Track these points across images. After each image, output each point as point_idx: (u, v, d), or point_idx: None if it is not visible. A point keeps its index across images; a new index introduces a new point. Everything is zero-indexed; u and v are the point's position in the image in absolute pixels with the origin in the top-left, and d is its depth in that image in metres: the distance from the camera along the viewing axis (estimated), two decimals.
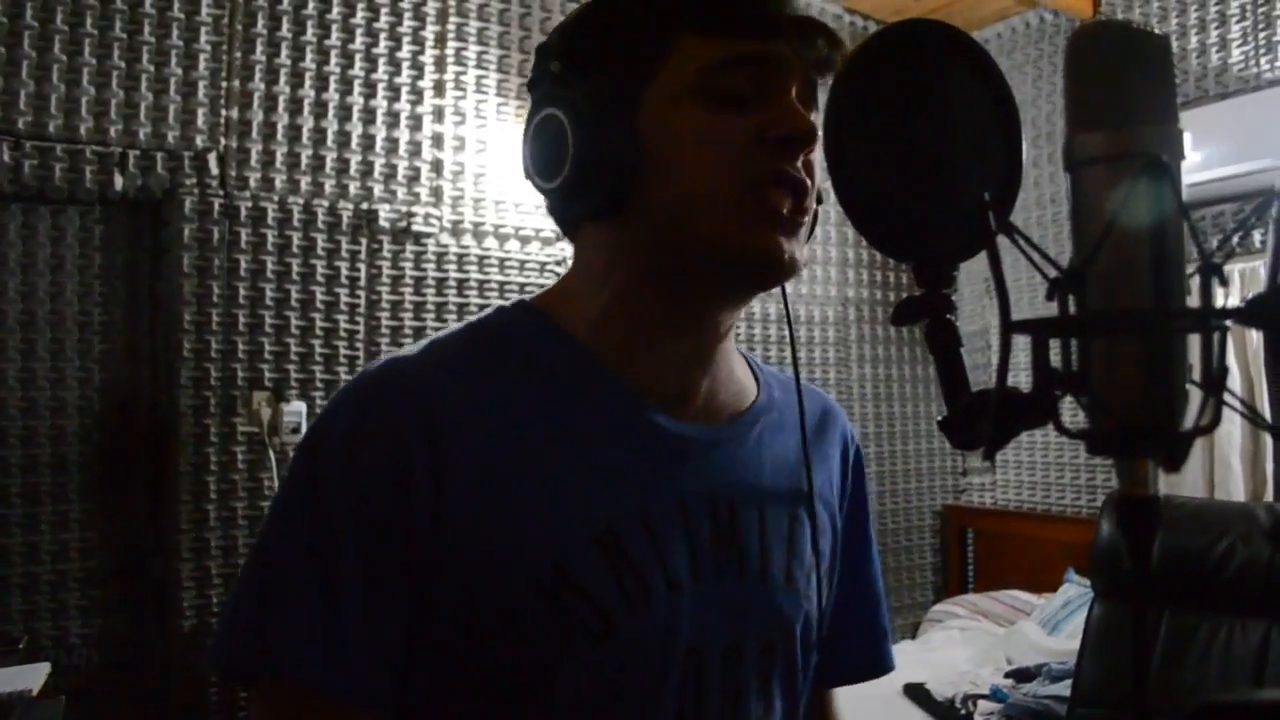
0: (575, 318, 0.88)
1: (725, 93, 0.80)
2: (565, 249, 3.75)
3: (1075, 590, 3.70)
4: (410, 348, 0.87)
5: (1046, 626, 3.63)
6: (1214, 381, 0.53)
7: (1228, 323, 0.53)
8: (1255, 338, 3.33)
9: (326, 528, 0.77)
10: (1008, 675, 3.30)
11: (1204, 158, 3.40)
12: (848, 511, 1.05)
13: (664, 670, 0.82)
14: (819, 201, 0.87)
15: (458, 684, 0.79)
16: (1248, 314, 0.50)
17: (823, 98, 0.82)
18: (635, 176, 0.80)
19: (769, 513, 0.91)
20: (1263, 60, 3.65)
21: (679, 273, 0.84)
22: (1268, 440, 3.49)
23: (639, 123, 0.81)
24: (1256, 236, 3.55)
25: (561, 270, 3.72)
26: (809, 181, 0.83)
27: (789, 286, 0.87)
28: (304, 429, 3.16)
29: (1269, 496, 3.49)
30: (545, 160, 0.84)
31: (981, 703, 3.14)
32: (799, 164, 0.81)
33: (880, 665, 1.09)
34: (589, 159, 0.81)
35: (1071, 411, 0.57)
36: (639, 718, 0.82)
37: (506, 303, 0.92)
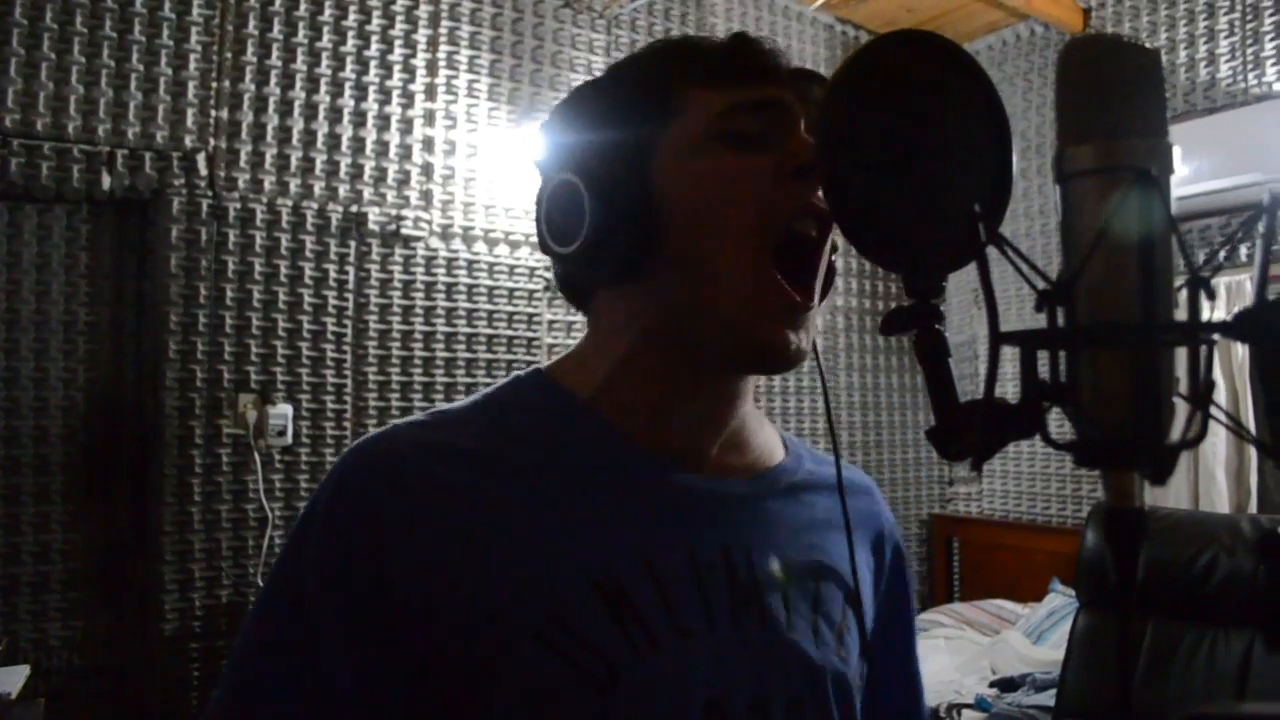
0: (584, 383, 0.88)
1: (739, 134, 0.81)
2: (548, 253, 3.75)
3: (1060, 600, 3.71)
4: (416, 415, 0.87)
5: (1031, 636, 3.64)
6: (1200, 395, 0.53)
7: (1214, 336, 0.53)
8: (1240, 350, 3.35)
9: (309, 598, 0.78)
10: (992, 685, 3.31)
11: (1192, 171, 3.41)
12: (888, 606, 1.00)
13: None
14: (833, 250, 0.87)
15: None
16: (1235, 328, 0.50)
17: None
18: (653, 236, 0.81)
19: (792, 569, 0.88)
20: (1250, 75, 3.67)
21: (689, 344, 0.84)
22: (1252, 453, 3.51)
23: (654, 179, 0.81)
24: (1242, 250, 3.57)
25: (549, 275, 3.72)
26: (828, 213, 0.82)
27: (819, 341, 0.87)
28: (290, 431, 3.15)
29: (1253, 508, 3.50)
30: (560, 227, 0.84)
31: (966, 712, 3.14)
32: (819, 194, 0.81)
33: None
34: (605, 222, 0.80)
35: (1059, 423, 0.57)
36: None
37: (522, 372, 0.92)
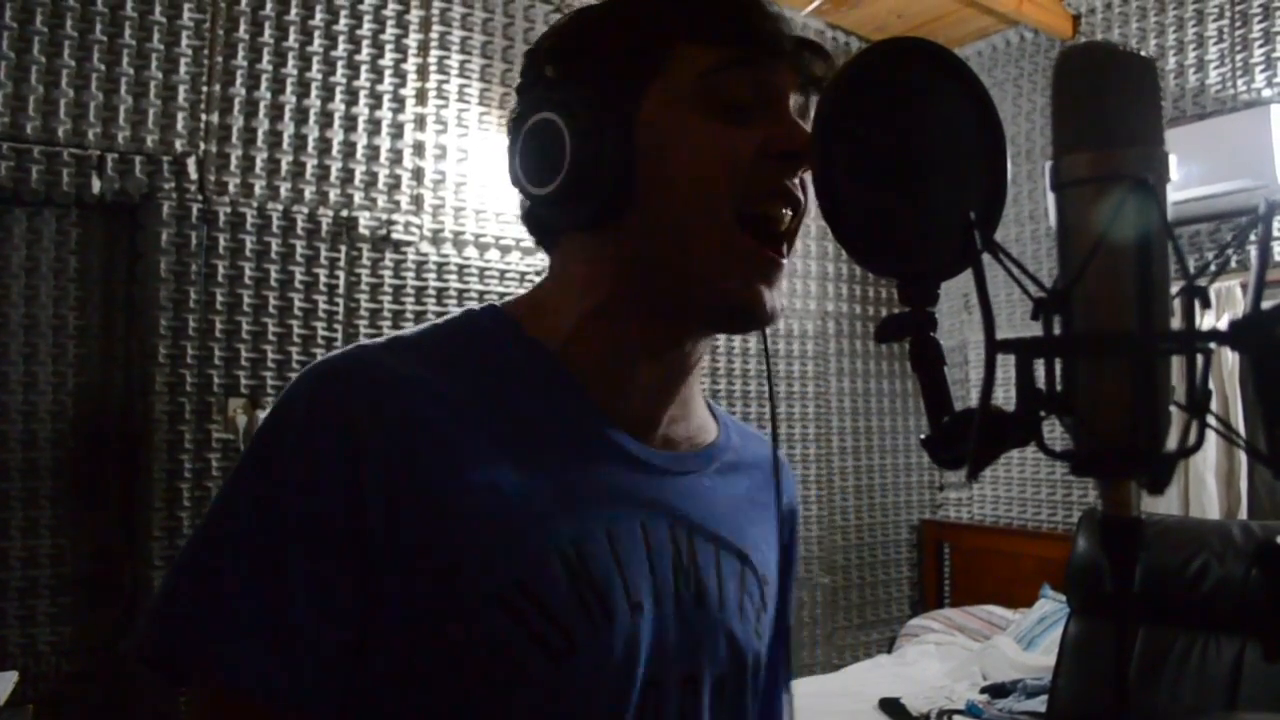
0: (547, 328, 0.86)
1: (725, 100, 0.80)
2: (545, 260, 3.74)
3: (1051, 606, 3.72)
4: (376, 339, 0.84)
5: (1022, 642, 3.64)
6: (1197, 403, 0.53)
7: (1211, 345, 0.53)
8: (1230, 357, 3.36)
9: (275, 519, 0.74)
10: (983, 690, 3.31)
11: (1181, 177, 3.42)
12: (781, 564, 1.01)
13: (623, 698, 0.79)
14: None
15: (410, 700, 0.75)
16: (1231, 337, 0.50)
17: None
18: (631, 186, 0.79)
19: (722, 548, 0.89)
20: (1240, 82, 3.69)
21: (659, 298, 0.83)
22: (1242, 458, 3.52)
23: (637, 131, 0.80)
24: (1233, 256, 3.58)
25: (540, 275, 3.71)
26: (804, 198, 0.82)
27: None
28: None
29: (1243, 514, 3.51)
30: (538, 166, 0.82)
31: (957, 718, 3.14)
32: (797, 179, 0.81)
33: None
34: (586, 165, 0.79)
35: (1055, 431, 0.57)
36: None
37: (477, 307, 0.90)
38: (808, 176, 0.82)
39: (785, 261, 0.83)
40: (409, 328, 0.88)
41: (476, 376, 0.83)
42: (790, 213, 0.82)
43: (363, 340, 0.83)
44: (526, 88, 0.87)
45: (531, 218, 0.91)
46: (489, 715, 0.75)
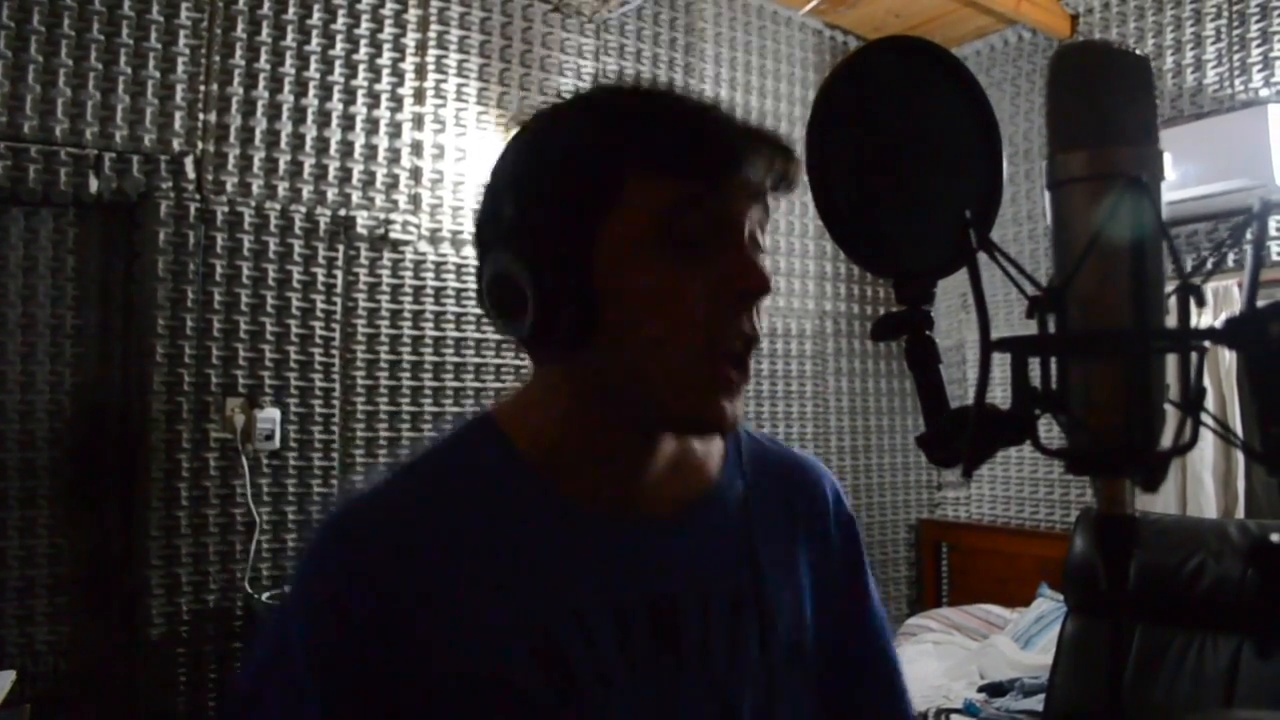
0: (527, 435, 0.90)
1: (680, 239, 0.79)
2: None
3: (1048, 605, 3.72)
4: (366, 488, 0.91)
5: (1020, 641, 3.64)
6: (1192, 401, 0.53)
7: (1205, 343, 0.53)
8: (1227, 356, 3.36)
9: (287, 661, 0.84)
10: (981, 689, 3.31)
11: (1179, 177, 3.43)
12: (840, 570, 1.02)
13: None
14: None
15: None
16: (1225, 335, 0.50)
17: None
18: (593, 322, 0.80)
19: (713, 600, 0.90)
20: (1237, 81, 3.69)
21: (624, 414, 0.86)
22: (1240, 457, 3.52)
23: (595, 269, 0.80)
24: (1230, 255, 3.58)
25: None
26: (759, 331, 0.83)
27: (765, 300, 0.86)
28: (278, 436, 3.14)
29: (1240, 513, 3.51)
30: (505, 311, 0.84)
31: (955, 717, 3.14)
32: (754, 312, 0.82)
33: (903, 713, 1.07)
34: (545, 312, 0.80)
35: (1050, 429, 0.57)
36: None
37: (469, 416, 0.95)
38: (764, 304, 0.83)
39: (746, 379, 0.84)
40: (404, 458, 0.97)
41: (460, 500, 0.88)
42: (744, 348, 0.82)
43: (359, 491, 0.91)
44: (486, 224, 0.88)
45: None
46: None
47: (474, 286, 3.47)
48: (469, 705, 0.81)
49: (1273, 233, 3.58)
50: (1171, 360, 0.55)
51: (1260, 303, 0.50)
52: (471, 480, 0.89)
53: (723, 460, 0.97)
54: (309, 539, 0.91)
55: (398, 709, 0.82)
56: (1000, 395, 0.57)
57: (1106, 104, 0.53)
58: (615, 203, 0.80)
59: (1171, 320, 0.54)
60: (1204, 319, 3.49)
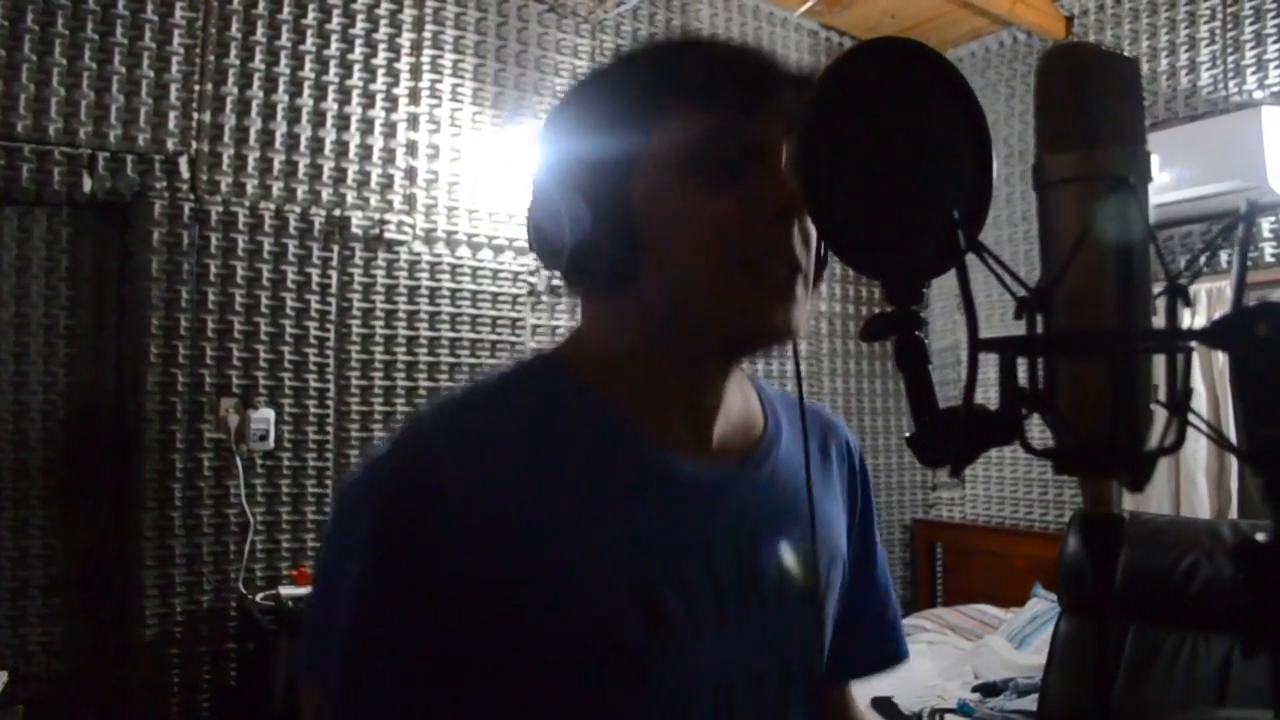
0: (595, 375, 0.90)
1: (715, 165, 0.82)
2: (537, 259, 3.74)
3: (1042, 605, 3.72)
4: (430, 410, 0.90)
5: (1014, 641, 3.65)
6: (1179, 402, 0.53)
7: (1192, 343, 0.54)
8: (1221, 357, 3.37)
9: (358, 600, 0.80)
10: (975, 689, 3.31)
11: (1173, 178, 3.43)
12: (859, 518, 1.09)
13: (695, 705, 0.85)
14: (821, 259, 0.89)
15: None
16: (1212, 335, 0.51)
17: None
18: (634, 253, 0.83)
19: (786, 543, 0.93)
20: (1231, 84, 3.70)
21: (679, 345, 0.87)
22: (1233, 458, 3.53)
23: (634, 199, 0.83)
24: (1224, 256, 3.59)
25: (534, 280, 3.72)
26: (806, 251, 0.85)
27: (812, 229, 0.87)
28: (272, 436, 3.14)
29: (1234, 513, 3.52)
30: (547, 244, 0.87)
31: (948, 717, 3.14)
32: (795, 233, 0.83)
33: (896, 655, 1.13)
34: (586, 246, 0.83)
35: (1040, 429, 0.57)
36: None
37: (528, 357, 0.95)
38: (812, 229, 0.84)
39: (800, 289, 0.85)
40: (464, 386, 0.94)
41: (534, 433, 0.87)
42: (788, 272, 0.84)
43: (415, 421, 0.90)
44: (538, 167, 0.92)
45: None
46: None
47: (469, 287, 3.49)
48: (566, 661, 0.80)
49: (1267, 234, 3.59)
50: (1160, 362, 0.55)
51: (1251, 303, 0.51)
52: (545, 414, 0.89)
53: (762, 410, 1.01)
54: (364, 464, 0.87)
55: (487, 654, 0.80)
56: (989, 395, 0.57)
57: (1094, 105, 0.53)
58: (652, 134, 0.84)
59: (1160, 321, 0.54)
60: (1198, 319, 3.50)
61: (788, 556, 0.93)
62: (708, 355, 0.89)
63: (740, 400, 0.97)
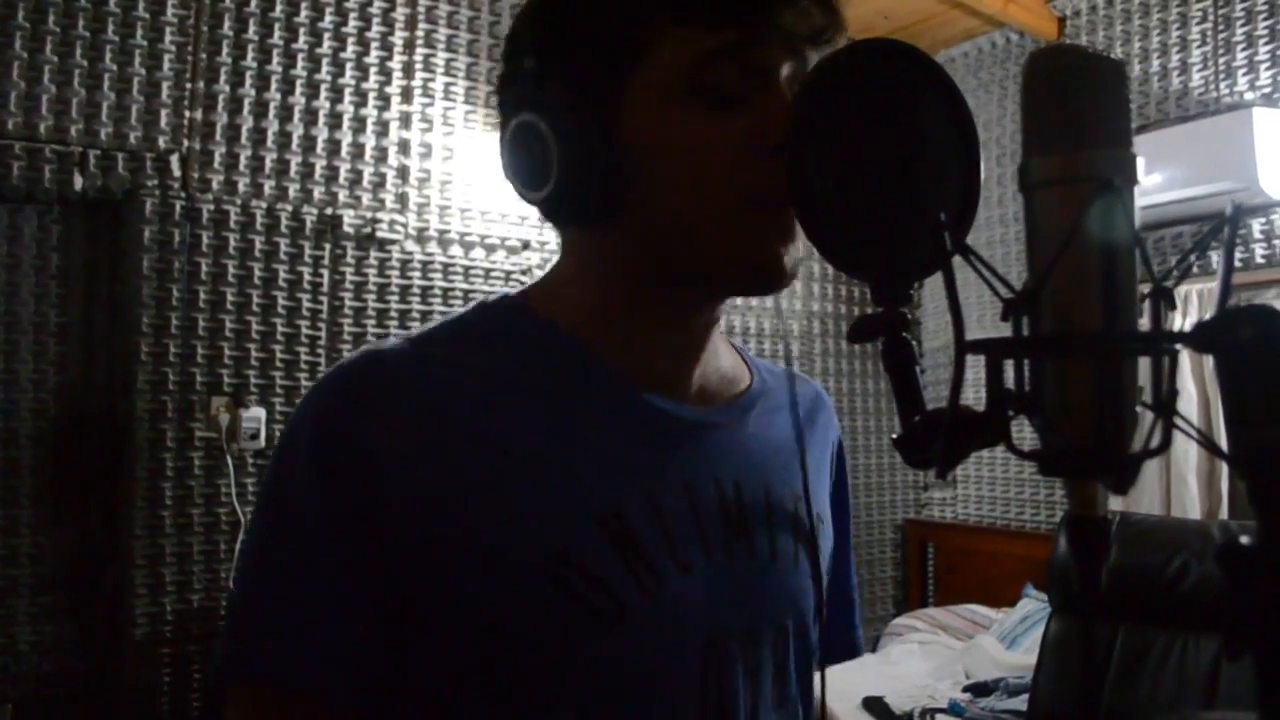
0: (562, 312, 0.84)
1: (713, 90, 0.76)
2: (531, 258, 3.75)
3: (1033, 605, 3.73)
4: (391, 339, 0.82)
5: (1005, 641, 3.66)
6: (1164, 404, 0.53)
7: (1178, 346, 0.54)
8: (1211, 359, 3.37)
9: (295, 527, 0.75)
10: (965, 689, 3.32)
11: (1164, 179, 3.44)
12: (832, 499, 1.03)
13: (682, 659, 0.79)
14: None
15: (468, 682, 0.76)
16: (1197, 338, 0.51)
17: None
18: (622, 183, 0.77)
19: (773, 494, 0.89)
20: (1222, 85, 3.71)
21: (670, 276, 0.81)
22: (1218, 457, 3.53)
23: (624, 124, 0.77)
24: (1214, 257, 3.60)
25: (526, 279, 3.71)
26: None
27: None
28: (263, 435, 3.13)
29: (1224, 514, 3.53)
30: (528, 170, 0.80)
31: (939, 717, 3.15)
32: None
33: (855, 648, 1.10)
34: (573, 169, 0.77)
35: (1029, 431, 0.57)
36: (663, 710, 0.78)
37: (488, 298, 0.88)
38: None
39: (795, 222, 0.79)
40: (424, 325, 0.86)
41: (498, 361, 0.81)
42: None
43: (376, 341, 0.82)
44: (508, 82, 0.85)
45: (537, 210, 0.89)
46: (546, 686, 0.75)
47: (462, 287, 3.48)
48: (530, 593, 0.73)
49: (1257, 235, 3.60)
50: (1146, 364, 0.55)
51: (1238, 305, 0.51)
52: (511, 348, 0.83)
53: (748, 370, 0.97)
54: (309, 390, 0.80)
55: (441, 601, 0.74)
56: (979, 396, 0.57)
57: (1079, 107, 0.53)
58: (645, 54, 0.77)
59: (1146, 324, 0.54)
60: (1187, 321, 3.51)
61: (776, 506, 0.88)
62: (693, 292, 0.83)
63: (724, 354, 0.94)
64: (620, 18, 0.78)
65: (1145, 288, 0.54)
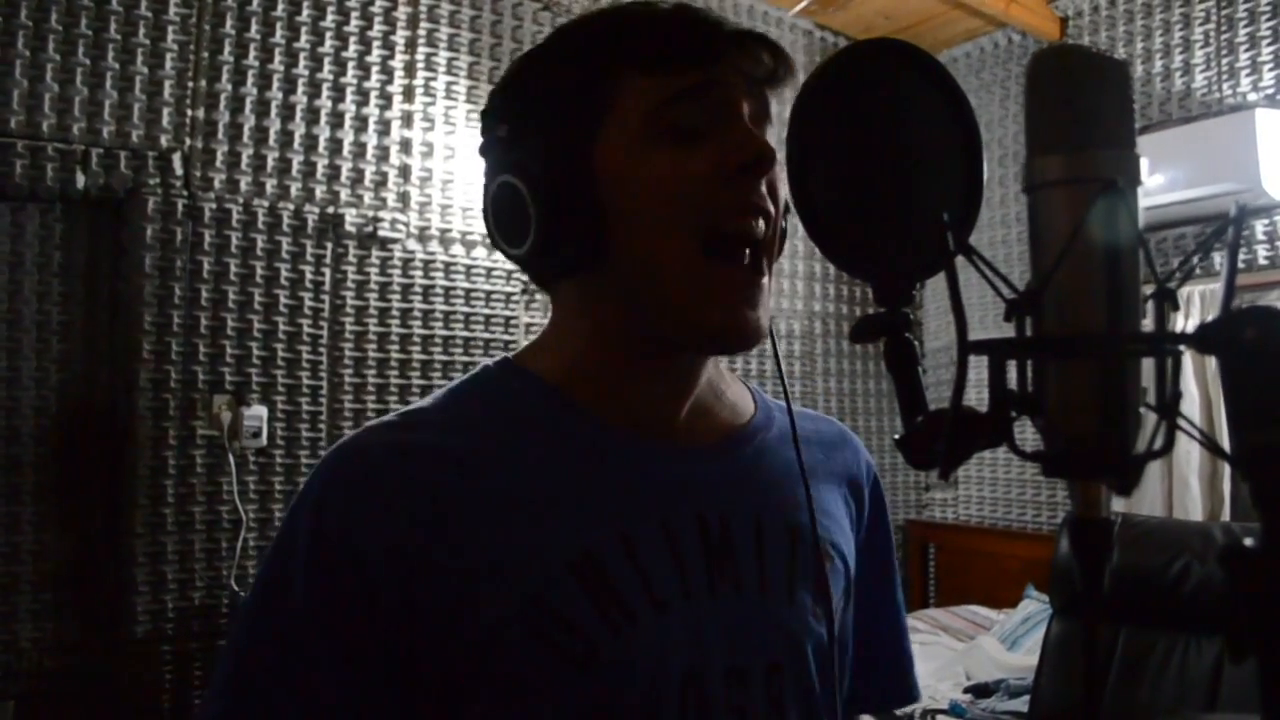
0: (550, 366, 0.88)
1: (676, 129, 0.80)
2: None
3: (1035, 606, 3.73)
4: (382, 421, 0.87)
5: (1006, 642, 3.65)
6: (1167, 405, 0.53)
7: (1181, 347, 0.53)
8: (1213, 360, 3.37)
9: (297, 625, 0.79)
10: (966, 690, 3.32)
11: (1167, 180, 3.44)
12: (867, 542, 1.02)
13: (659, 696, 0.79)
14: (786, 210, 0.86)
15: None
16: (1200, 339, 0.51)
17: (776, 109, 0.81)
18: (600, 233, 0.80)
19: (767, 529, 0.88)
20: (1225, 86, 3.70)
21: (647, 329, 0.84)
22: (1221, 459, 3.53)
23: (596, 176, 0.80)
24: (1218, 258, 3.59)
25: (526, 278, 3.71)
26: (774, 206, 0.82)
27: (779, 177, 0.85)
28: (265, 433, 3.13)
29: (1226, 516, 3.53)
30: (508, 228, 0.84)
31: (940, 718, 3.15)
32: (763, 188, 0.81)
33: (909, 694, 1.08)
34: (551, 224, 0.80)
35: (1031, 432, 0.57)
36: None
37: (490, 363, 0.93)
38: (780, 180, 0.82)
39: (764, 280, 0.83)
40: (424, 399, 0.91)
41: (480, 423, 0.85)
42: (763, 224, 0.82)
43: (371, 422, 0.87)
44: (485, 149, 0.89)
45: (524, 270, 0.92)
46: None
47: (463, 285, 3.48)
48: (506, 642, 0.76)
49: (1260, 237, 3.60)
50: (1149, 365, 0.55)
51: (1242, 306, 0.51)
52: (495, 407, 0.87)
53: (754, 406, 0.98)
54: (307, 479, 0.85)
55: (427, 658, 0.77)
56: (981, 397, 0.57)
57: (1083, 108, 0.53)
58: (610, 107, 0.81)
59: (1149, 325, 0.54)
60: (1193, 322, 3.51)
61: (769, 539, 0.88)
62: (670, 345, 0.86)
63: (721, 391, 0.94)
64: (587, 73, 0.83)
65: (1148, 288, 0.54)
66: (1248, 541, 0.49)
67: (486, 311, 3.65)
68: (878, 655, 1.03)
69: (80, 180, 2.86)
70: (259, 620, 0.82)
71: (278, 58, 3.23)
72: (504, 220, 0.84)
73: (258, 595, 0.83)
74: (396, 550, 0.77)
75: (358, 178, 3.40)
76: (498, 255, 3.63)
